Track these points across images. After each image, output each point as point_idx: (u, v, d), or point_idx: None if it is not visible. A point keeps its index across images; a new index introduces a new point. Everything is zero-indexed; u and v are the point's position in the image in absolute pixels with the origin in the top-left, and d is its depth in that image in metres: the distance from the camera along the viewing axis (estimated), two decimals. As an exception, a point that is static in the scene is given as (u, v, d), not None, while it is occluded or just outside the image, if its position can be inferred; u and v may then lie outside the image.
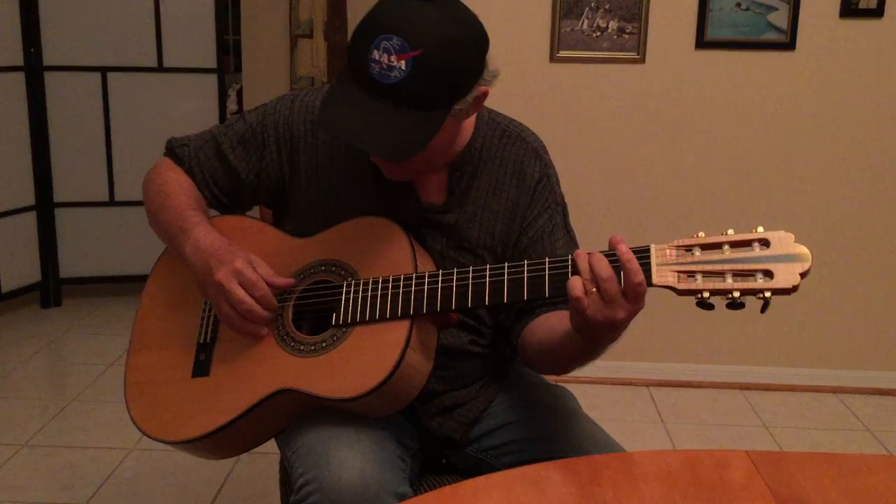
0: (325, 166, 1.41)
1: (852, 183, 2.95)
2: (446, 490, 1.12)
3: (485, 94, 1.29)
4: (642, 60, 2.88)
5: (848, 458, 1.15)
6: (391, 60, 1.18)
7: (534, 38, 2.88)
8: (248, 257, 1.31)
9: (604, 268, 1.11)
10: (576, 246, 1.46)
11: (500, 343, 1.46)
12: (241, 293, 1.27)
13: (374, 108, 1.21)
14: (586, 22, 2.85)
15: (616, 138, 2.95)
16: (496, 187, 1.41)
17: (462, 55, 1.22)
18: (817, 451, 2.65)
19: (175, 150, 1.48)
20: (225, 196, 1.47)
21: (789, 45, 2.84)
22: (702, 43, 2.86)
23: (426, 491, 1.38)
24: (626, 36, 2.86)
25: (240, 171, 1.44)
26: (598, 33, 2.86)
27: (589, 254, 1.13)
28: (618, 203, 2.99)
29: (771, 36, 2.85)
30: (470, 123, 1.40)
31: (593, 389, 2.99)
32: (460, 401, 1.44)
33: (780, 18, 2.83)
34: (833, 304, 3.01)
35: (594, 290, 1.11)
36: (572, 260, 1.16)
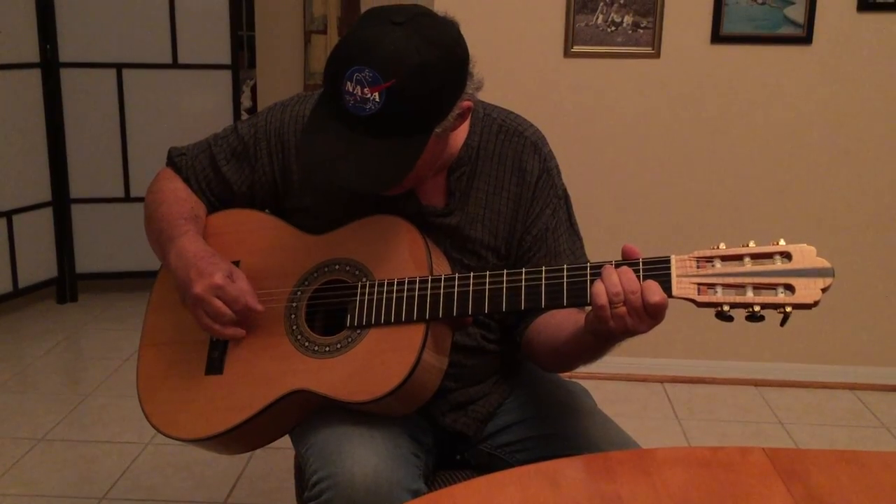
0: None
1: (869, 179, 2.92)
2: (460, 486, 1.11)
3: (468, 109, 1.27)
4: (657, 55, 2.87)
5: (866, 456, 1.14)
6: (364, 93, 1.15)
7: (548, 33, 2.86)
8: (229, 271, 1.30)
9: (631, 281, 1.10)
10: (579, 239, 1.45)
11: (511, 339, 1.45)
12: (219, 306, 1.28)
13: (351, 140, 1.18)
14: (601, 17, 2.84)
15: (630, 133, 2.94)
16: (496, 186, 1.39)
17: (437, 79, 1.18)
18: (833, 447, 2.63)
19: (174, 160, 1.50)
20: (222, 205, 1.48)
21: (806, 39, 2.82)
22: (717, 37, 2.84)
23: (440, 487, 1.37)
24: (641, 31, 2.84)
25: (232, 183, 1.44)
26: (613, 28, 2.84)
27: (617, 269, 1.12)
28: (631, 199, 2.98)
29: (787, 30, 2.82)
30: (461, 130, 1.36)
31: (607, 385, 2.99)
32: (473, 397, 1.44)
33: (797, 12, 2.80)
34: (848, 300, 2.98)
35: (621, 303, 1.10)
36: (592, 269, 1.15)
